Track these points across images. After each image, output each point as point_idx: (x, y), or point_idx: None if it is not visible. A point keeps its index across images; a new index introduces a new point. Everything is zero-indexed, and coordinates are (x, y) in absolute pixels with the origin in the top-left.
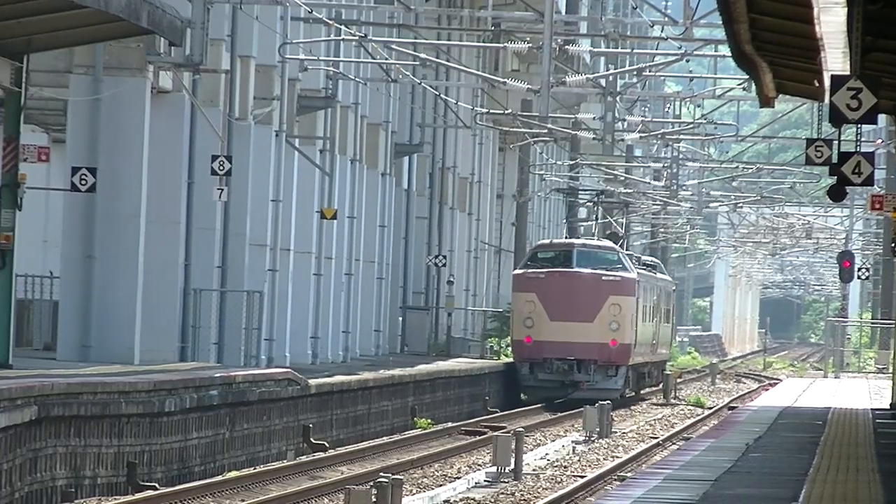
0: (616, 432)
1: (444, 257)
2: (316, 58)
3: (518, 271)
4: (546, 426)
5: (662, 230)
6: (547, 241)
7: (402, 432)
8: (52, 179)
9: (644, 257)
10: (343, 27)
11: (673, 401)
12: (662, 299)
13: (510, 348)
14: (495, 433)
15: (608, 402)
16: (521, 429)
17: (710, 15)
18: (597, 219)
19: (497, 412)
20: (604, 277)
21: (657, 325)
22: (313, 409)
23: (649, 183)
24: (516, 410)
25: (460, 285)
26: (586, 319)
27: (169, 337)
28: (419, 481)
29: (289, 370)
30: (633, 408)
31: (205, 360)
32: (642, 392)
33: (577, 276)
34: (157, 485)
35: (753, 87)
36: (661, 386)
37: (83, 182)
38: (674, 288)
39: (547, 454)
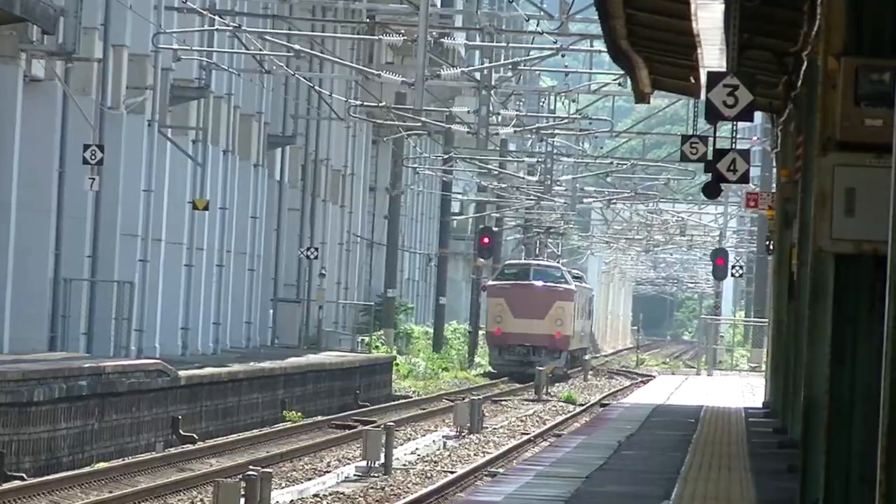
0: (487, 428)
1: (317, 249)
2: (189, 48)
3: (491, 282)
4: (416, 421)
5: (536, 225)
6: (513, 262)
7: (272, 425)
8: None
9: (573, 271)
10: (217, 17)
11: (544, 397)
12: (587, 303)
13: (380, 342)
14: (366, 427)
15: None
16: (391, 423)
17: (587, 10)
18: (540, 243)
19: (367, 406)
20: (552, 288)
21: (584, 322)
22: (183, 401)
23: (523, 178)
24: (387, 405)
25: (332, 278)
26: (539, 317)
27: (38, 326)
28: (289, 475)
29: (159, 361)
30: (504, 403)
31: (74, 350)
32: (569, 371)
33: (533, 287)
34: (24, 475)
35: (629, 82)
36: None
37: None
38: (592, 294)
39: (417, 449)
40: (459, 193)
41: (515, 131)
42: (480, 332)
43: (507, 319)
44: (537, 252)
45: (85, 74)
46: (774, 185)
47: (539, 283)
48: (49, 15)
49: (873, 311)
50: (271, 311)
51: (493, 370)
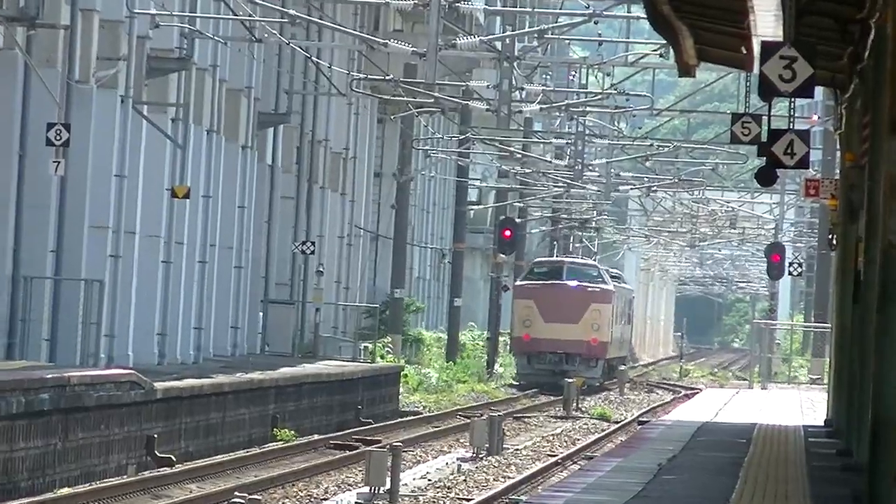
0: (508, 448)
1: (313, 244)
2: (169, 13)
3: (519, 282)
4: (427, 441)
5: (565, 216)
6: (543, 259)
7: (262, 445)
8: None
9: (611, 270)
10: None
11: (574, 413)
12: (626, 305)
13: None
14: (369, 448)
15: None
16: (398, 443)
17: None
18: (573, 238)
19: (371, 423)
20: (588, 288)
21: (623, 327)
22: (159, 417)
23: (550, 162)
24: (393, 422)
25: (331, 276)
26: (573, 321)
27: None
28: (280, 502)
29: (132, 371)
30: (528, 420)
31: (35, 359)
32: (605, 383)
33: (566, 287)
34: None
35: (671, 53)
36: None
37: None
38: (633, 296)
39: (428, 473)
40: (477, 180)
41: (541, 109)
42: (501, 339)
43: (536, 324)
44: (569, 248)
45: (50, 43)
46: (838, 171)
47: (573, 284)
48: None
49: None
50: (261, 314)
51: (518, 381)
